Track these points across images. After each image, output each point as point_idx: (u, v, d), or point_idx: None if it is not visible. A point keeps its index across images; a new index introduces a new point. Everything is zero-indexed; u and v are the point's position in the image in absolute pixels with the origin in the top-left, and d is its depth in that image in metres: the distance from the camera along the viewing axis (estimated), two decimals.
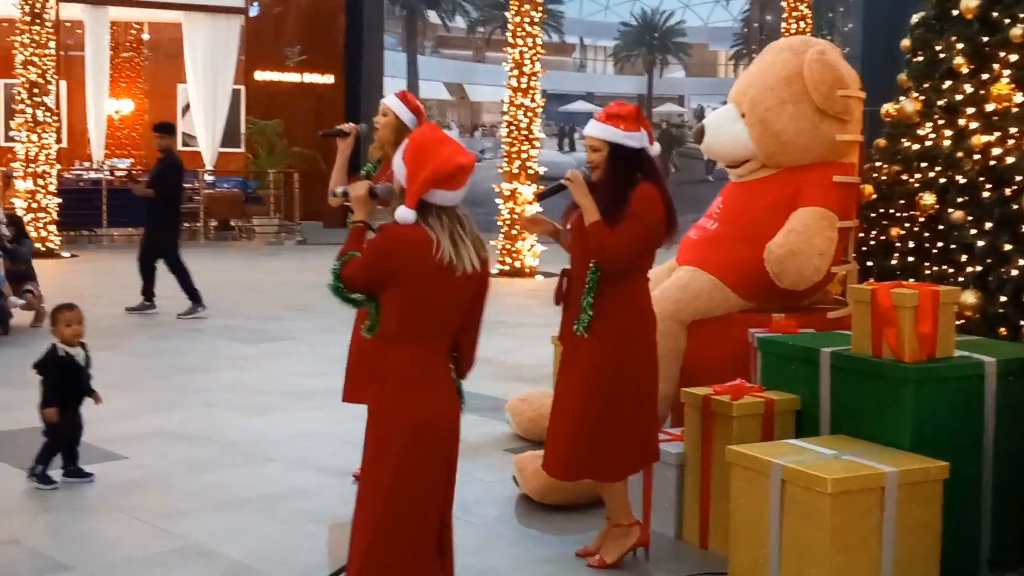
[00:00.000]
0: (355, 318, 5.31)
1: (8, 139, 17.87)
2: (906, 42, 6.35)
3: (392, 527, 3.42)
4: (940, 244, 5.62)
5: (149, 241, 11.25)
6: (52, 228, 16.07)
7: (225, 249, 18.13)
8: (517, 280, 14.94)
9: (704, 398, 4.77)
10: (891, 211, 5.98)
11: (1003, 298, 5.15)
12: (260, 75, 22.04)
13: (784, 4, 17.98)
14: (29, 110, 16.02)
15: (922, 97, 6.04)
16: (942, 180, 5.66)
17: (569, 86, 24.94)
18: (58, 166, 16.70)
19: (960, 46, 5.85)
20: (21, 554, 4.70)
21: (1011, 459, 4.50)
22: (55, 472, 5.61)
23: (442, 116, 23.86)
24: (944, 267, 5.55)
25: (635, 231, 4.35)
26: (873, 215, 6.06)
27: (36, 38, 16.05)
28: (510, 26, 15.44)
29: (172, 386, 7.96)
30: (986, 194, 5.38)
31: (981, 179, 5.43)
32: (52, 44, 16.42)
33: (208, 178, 19.94)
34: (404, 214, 3.40)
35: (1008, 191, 5.27)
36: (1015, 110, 5.46)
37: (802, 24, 17.71)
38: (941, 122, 5.87)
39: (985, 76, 5.70)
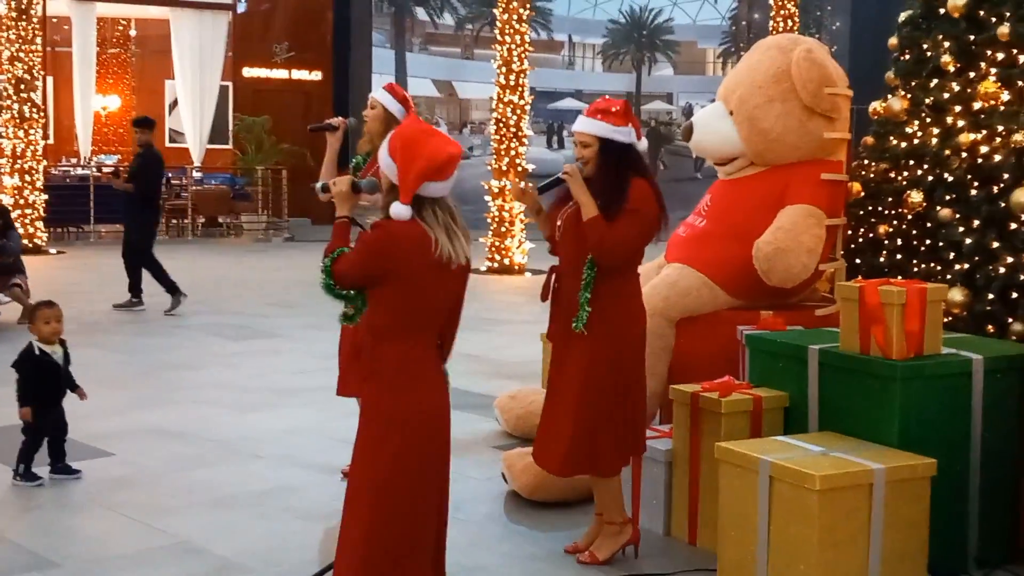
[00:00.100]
0: None
1: None
2: (893, 40, 6.37)
3: (384, 524, 3.42)
4: (928, 242, 5.64)
5: (130, 237, 11.24)
6: (39, 225, 16.00)
7: (213, 246, 18.09)
8: (506, 277, 14.94)
9: (693, 395, 4.78)
10: (879, 209, 6.00)
11: (990, 295, 5.17)
12: (248, 72, 21.99)
13: (772, 2, 18.00)
14: (16, 106, 15.96)
15: (909, 95, 6.06)
16: (930, 178, 5.68)
17: (558, 83, 24.95)
18: (45, 162, 16.64)
19: (947, 44, 5.87)
20: (7, 551, 4.68)
21: (998, 456, 4.52)
22: (42, 469, 5.59)
23: (430, 113, 23.84)
24: (932, 265, 5.57)
25: (633, 227, 4.36)
26: (861, 213, 6.08)
27: (23, 34, 15.98)
28: (498, 23, 15.42)
29: (160, 383, 7.94)
30: (973, 192, 5.40)
31: (968, 177, 5.45)
32: (39, 40, 16.35)
33: (196, 175, 19.88)
34: (400, 210, 3.38)
35: (995, 189, 5.29)
36: (1002, 108, 5.48)
37: (790, 22, 17.73)
38: (928, 120, 5.89)
39: (972, 74, 5.72)
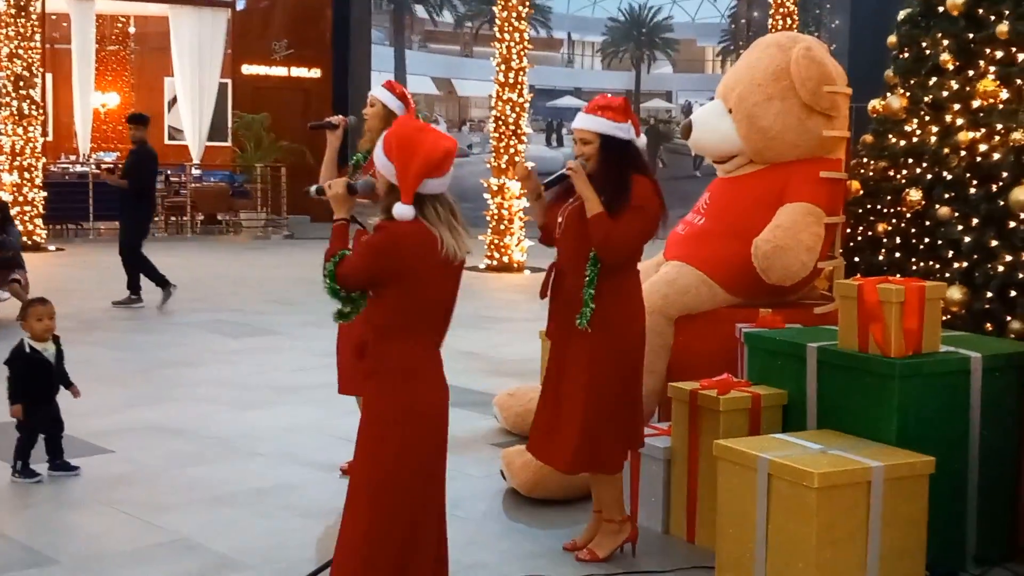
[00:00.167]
0: None
1: None
2: (892, 38, 6.37)
3: (385, 522, 3.42)
4: (926, 240, 5.65)
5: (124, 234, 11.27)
6: (38, 222, 15.99)
7: (212, 243, 18.08)
8: (505, 275, 14.93)
9: (691, 393, 4.78)
10: (878, 207, 6.00)
11: (989, 294, 5.18)
12: (247, 69, 21.98)
13: (771, 0, 18.00)
14: (14, 103, 15.94)
15: (908, 93, 6.06)
16: (928, 176, 5.69)
17: (557, 81, 24.92)
18: (44, 159, 16.63)
19: (946, 43, 5.87)
20: (6, 547, 4.68)
21: (996, 454, 4.52)
22: (41, 466, 5.59)
23: (430, 111, 23.82)
24: (930, 263, 5.57)
25: (638, 223, 4.37)
26: (860, 211, 6.08)
27: (21, 31, 15.96)
28: (497, 21, 15.41)
29: (159, 380, 7.94)
30: (972, 190, 5.40)
31: (967, 175, 5.45)
32: (37, 37, 16.33)
33: (195, 172, 19.88)
34: (403, 211, 3.36)
35: (994, 187, 5.29)
36: (1001, 106, 5.48)
37: (789, 20, 17.71)
38: (927, 118, 5.89)
39: (971, 72, 5.73)
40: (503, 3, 15.27)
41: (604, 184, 4.39)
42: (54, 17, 20.87)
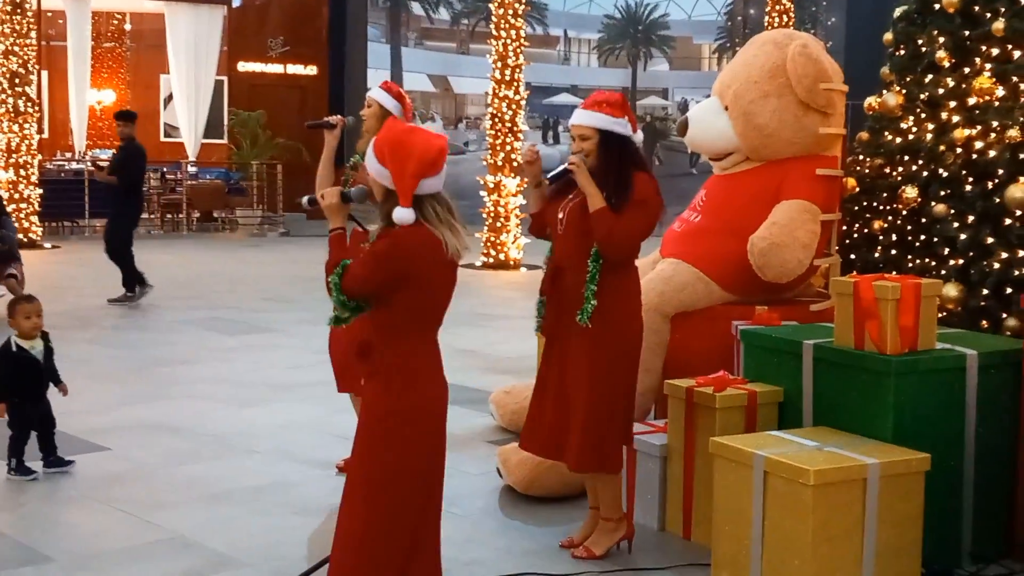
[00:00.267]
0: None
1: None
2: (888, 36, 6.37)
3: (384, 520, 3.41)
4: (922, 237, 5.65)
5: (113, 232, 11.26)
6: (34, 219, 15.98)
7: (208, 241, 18.07)
8: (501, 272, 14.93)
9: (687, 390, 4.78)
10: (874, 204, 6.01)
11: (985, 291, 5.18)
12: (243, 66, 21.96)
13: None
14: (10, 100, 15.92)
15: (904, 91, 6.07)
16: (924, 173, 5.69)
17: (553, 78, 24.91)
18: (39, 157, 16.61)
19: (942, 40, 5.88)
20: (1, 544, 4.68)
21: (992, 451, 4.53)
22: (37, 464, 5.59)
23: (426, 108, 23.81)
24: (926, 260, 5.58)
25: (640, 219, 4.37)
26: (856, 208, 6.09)
27: (17, 28, 15.94)
28: (494, 18, 15.40)
29: (155, 378, 7.94)
30: (968, 187, 5.41)
31: (963, 172, 5.46)
32: (33, 34, 16.31)
33: (191, 169, 19.86)
34: (403, 215, 3.35)
35: (990, 184, 5.29)
36: (997, 104, 5.49)
37: (785, 18, 17.72)
38: (923, 116, 5.90)
39: (967, 70, 5.73)
40: (499, 0, 15.26)
41: (605, 179, 4.39)
42: (50, 14, 20.83)
